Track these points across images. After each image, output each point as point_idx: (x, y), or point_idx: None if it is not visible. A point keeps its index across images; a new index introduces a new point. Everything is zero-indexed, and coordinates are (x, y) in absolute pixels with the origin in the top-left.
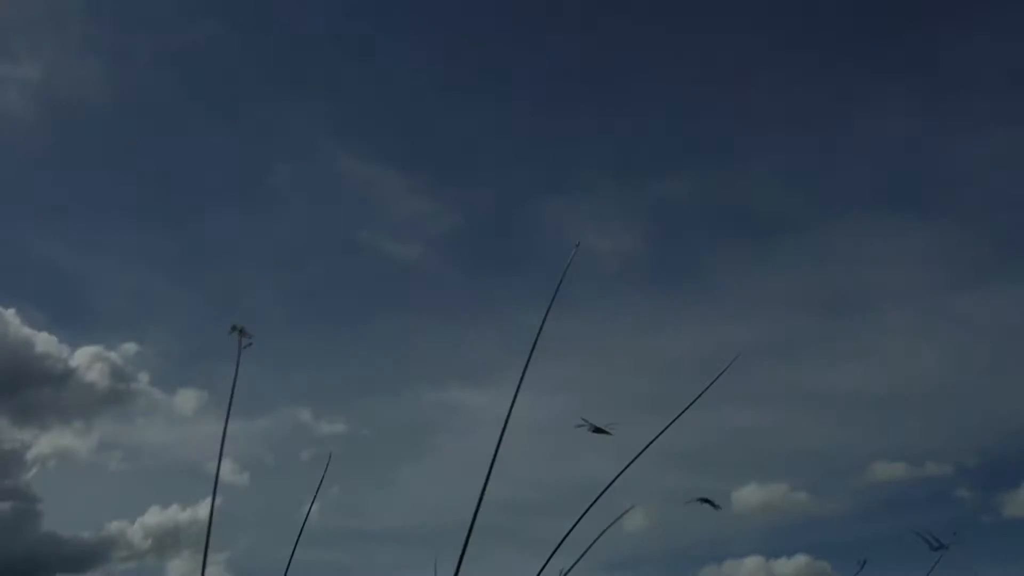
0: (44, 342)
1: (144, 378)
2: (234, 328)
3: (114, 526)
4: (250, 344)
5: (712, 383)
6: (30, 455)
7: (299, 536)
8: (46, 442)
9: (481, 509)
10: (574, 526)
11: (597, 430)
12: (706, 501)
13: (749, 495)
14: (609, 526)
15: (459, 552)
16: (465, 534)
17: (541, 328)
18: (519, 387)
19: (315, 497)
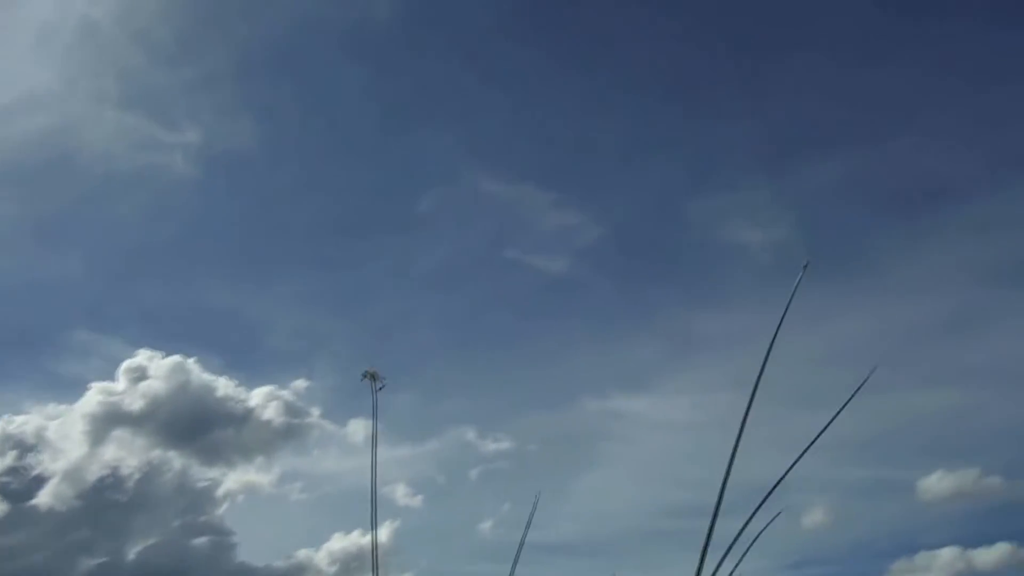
0: (223, 386)
1: (316, 412)
2: (366, 373)
3: (302, 554)
4: (383, 387)
5: (851, 397)
6: (220, 492)
7: (516, 559)
8: (233, 479)
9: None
10: (743, 528)
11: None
12: None
13: (937, 483)
14: (758, 535)
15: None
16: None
17: (770, 349)
18: (752, 396)
19: (527, 530)
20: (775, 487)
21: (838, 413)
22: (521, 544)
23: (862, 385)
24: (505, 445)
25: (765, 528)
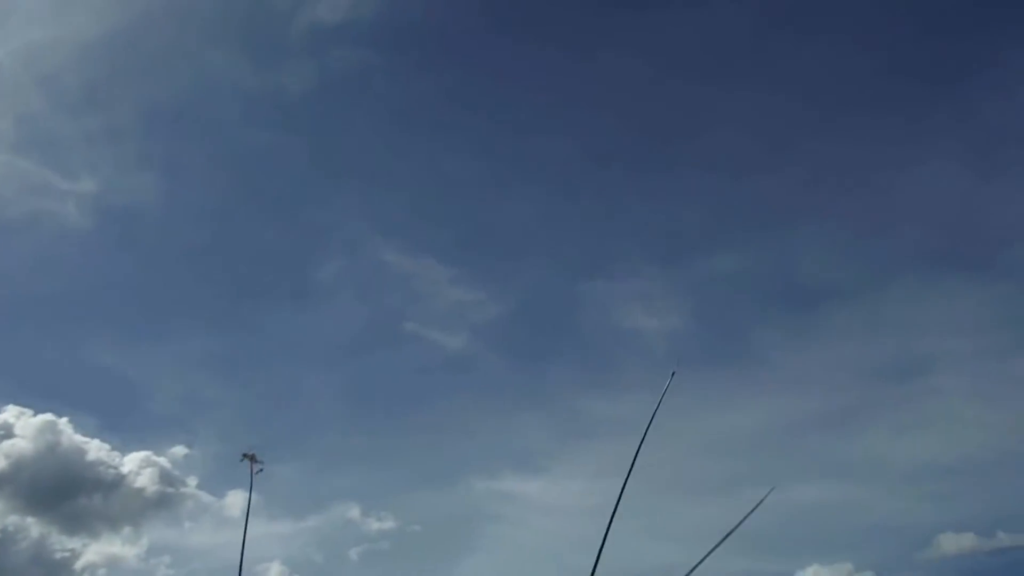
0: (96, 449)
1: (192, 481)
2: (245, 456)
3: None
4: (261, 471)
5: (747, 517)
6: (79, 564)
7: None
8: (95, 550)
9: None
10: None
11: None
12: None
13: None
14: None
15: None
16: None
17: (637, 453)
18: (623, 488)
19: None
20: None
21: (728, 534)
22: None
23: (756, 507)
24: (389, 524)
25: None
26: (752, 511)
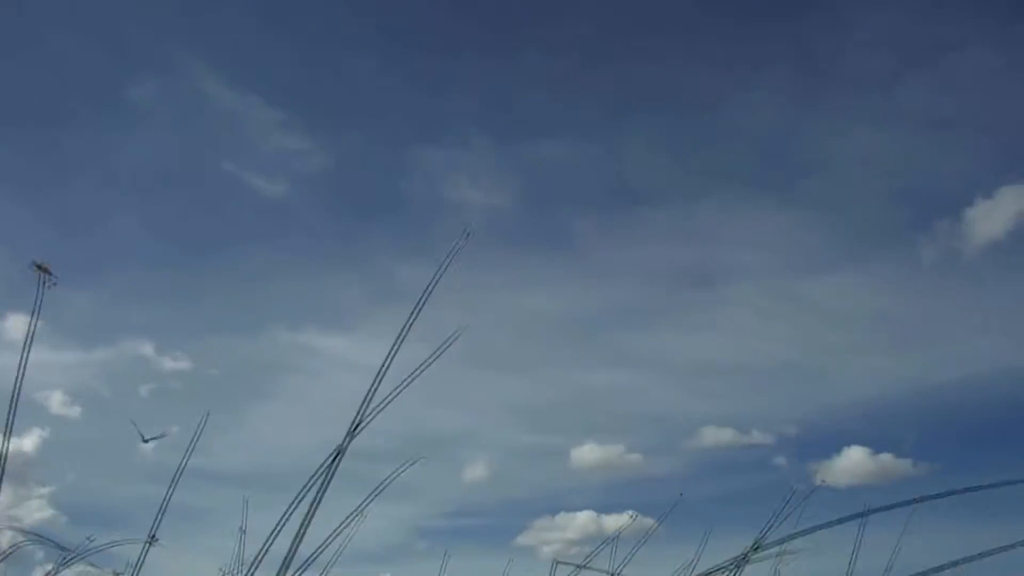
0: None
1: None
2: (36, 265)
3: None
4: (54, 284)
5: (437, 355)
6: None
7: (175, 481)
8: None
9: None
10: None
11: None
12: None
13: (587, 453)
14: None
15: (307, 499)
16: (318, 477)
17: (412, 316)
18: (399, 340)
19: (190, 451)
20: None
21: (416, 372)
22: (182, 467)
23: (445, 347)
24: (184, 364)
25: (394, 474)
26: (442, 350)
